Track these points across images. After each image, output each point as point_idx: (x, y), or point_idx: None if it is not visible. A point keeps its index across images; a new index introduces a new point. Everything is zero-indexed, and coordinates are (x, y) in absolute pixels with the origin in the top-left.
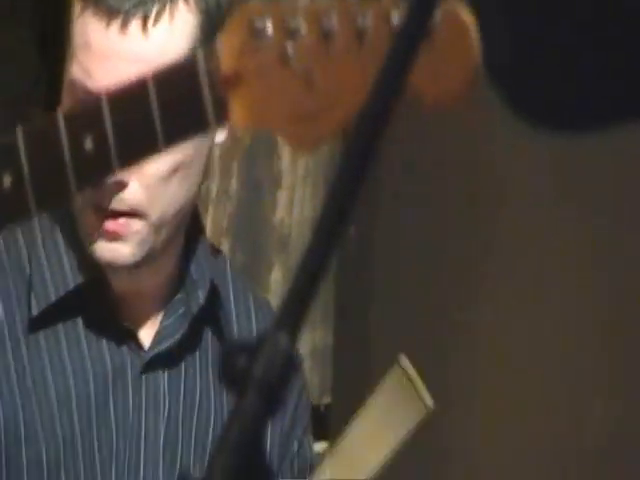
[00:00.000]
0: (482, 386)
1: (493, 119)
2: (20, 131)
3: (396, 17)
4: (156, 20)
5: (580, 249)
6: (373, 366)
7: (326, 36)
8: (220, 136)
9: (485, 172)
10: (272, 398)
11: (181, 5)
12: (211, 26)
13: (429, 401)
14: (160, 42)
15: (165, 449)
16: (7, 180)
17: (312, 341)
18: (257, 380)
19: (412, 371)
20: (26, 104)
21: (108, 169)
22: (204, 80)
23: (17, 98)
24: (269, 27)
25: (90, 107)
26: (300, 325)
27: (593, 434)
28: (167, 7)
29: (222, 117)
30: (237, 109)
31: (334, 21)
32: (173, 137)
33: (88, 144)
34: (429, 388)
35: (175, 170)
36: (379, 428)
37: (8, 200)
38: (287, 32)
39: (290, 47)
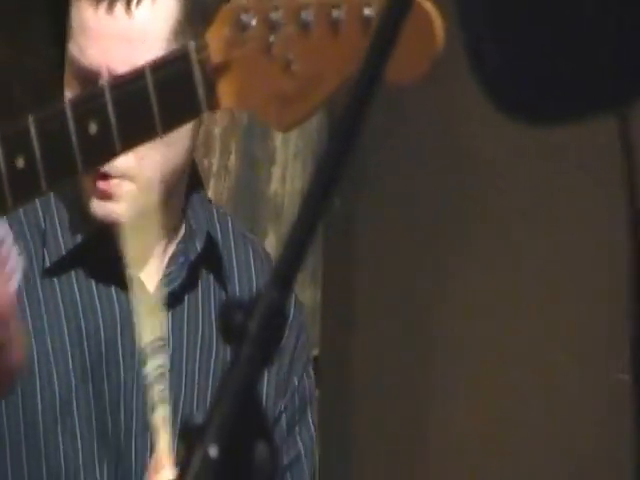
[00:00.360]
0: (460, 335)
1: (478, 104)
2: (31, 118)
3: (368, 10)
4: (138, 2)
5: (563, 234)
6: (357, 321)
7: (304, 28)
8: None
9: (468, 152)
10: (266, 350)
11: None
12: (194, 10)
13: None
14: (142, 22)
15: (171, 391)
16: (20, 162)
17: (302, 299)
18: (252, 334)
19: None
20: (53, 92)
21: (111, 152)
22: (196, 69)
23: (44, 87)
24: (253, 21)
25: (94, 95)
26: (291, 285)
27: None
28: None
29: (212, 101)
30: (225, 93)
31: (311, 14)
32: (169, 121)
33: (92, 129)
34: (413, 337)
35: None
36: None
37: (22, 180)
38: (269, 25)
39: (272, 38)
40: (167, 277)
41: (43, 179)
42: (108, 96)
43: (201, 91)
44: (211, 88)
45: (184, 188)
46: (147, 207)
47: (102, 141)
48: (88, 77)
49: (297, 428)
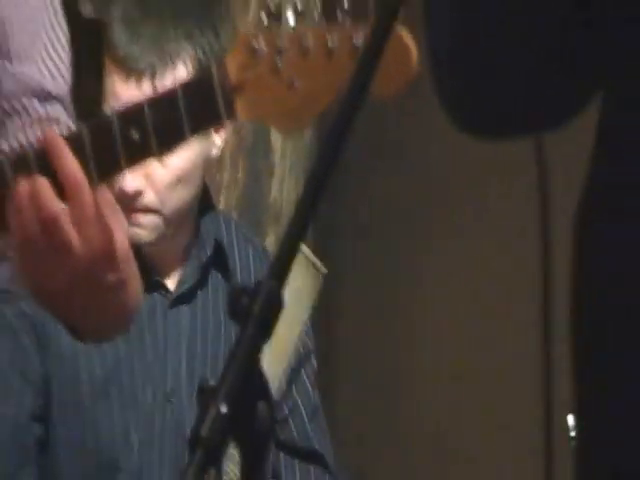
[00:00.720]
0: (427, 316)
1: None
2: (84, 125)
3: (357, 39)
4: (162, 77)
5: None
6: (339, 304)
7: (304, 53)
8: (214, 151)
9: (432, 168)
10: (265, 327)
11: (180, 66)
12: None
13: (322, 268)
14: None
15: (187, 365)
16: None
17: (294, 286)
18: (254, 315)
19: (306, 249)
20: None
21: (149, 154)
22: (217, 87)
23: (90, 111)
24: (264, 47)
25: (135, 107)
26: (286, 274)
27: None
28: (170, 67)
29: (231, 113)
30: (241, 107)
31: (310, 42)
32: (196, 129)
33: (134, 135)
34: (388, 313)
35: (179, 180)
36: (293, 310)
37: None
38: (276, 50)
39: (278, 61)
40: (184, 278)
41: (95, 175)
42: (147, 109)
43: (221, 105)
44: (230, 103)
45: (196, 209)
46: (167, 233)
47: (142, 145)
48: None
49: (294, 385)
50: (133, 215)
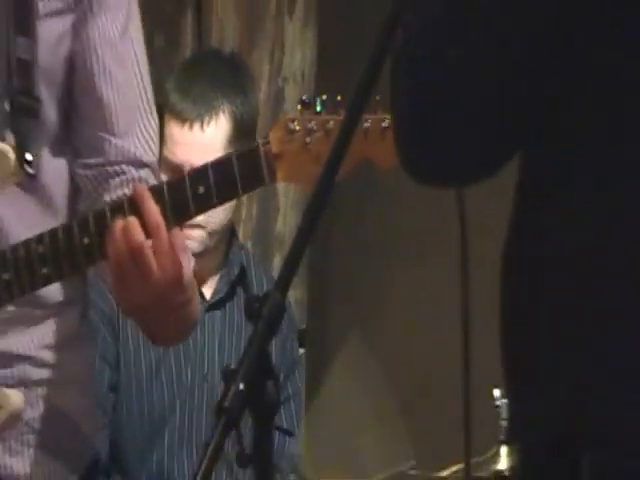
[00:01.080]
0: (396, 313)
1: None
2: (165, 182)
3: (367, 123)
4: (208, 124)
5: None
6: (328, 307)
7: (328, 133)
8: None
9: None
10: (273, 327)
11: (221, 116)
12: (239, 128)
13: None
14: (210, 136)
15: (218, 355)
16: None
17: (294, 295)
18: (264, 317)
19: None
20: None
21: (211, 205)
22: (263, 156)
23: None
24: (297, 128)
25: (202, 169)
26: (288, 287)
27: None
28: (214, 117)
29: (272, 176)
30: (279, 173)
31: (333, 125)
32: (246, 188)
33: (200, 190)
34: (365, 318)
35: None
36: None
37: None
38: (307, 131)
39: (308, 139)
40: (217, 290)
41: (171, 219)
42: (210, 171)
43: (265, 170)
44: (271, 168)
45: (226, 237)
46: (209, 246)
47: (206, 198)
48: (176, 169)
49: (287, 381)
50: (185, 229)
